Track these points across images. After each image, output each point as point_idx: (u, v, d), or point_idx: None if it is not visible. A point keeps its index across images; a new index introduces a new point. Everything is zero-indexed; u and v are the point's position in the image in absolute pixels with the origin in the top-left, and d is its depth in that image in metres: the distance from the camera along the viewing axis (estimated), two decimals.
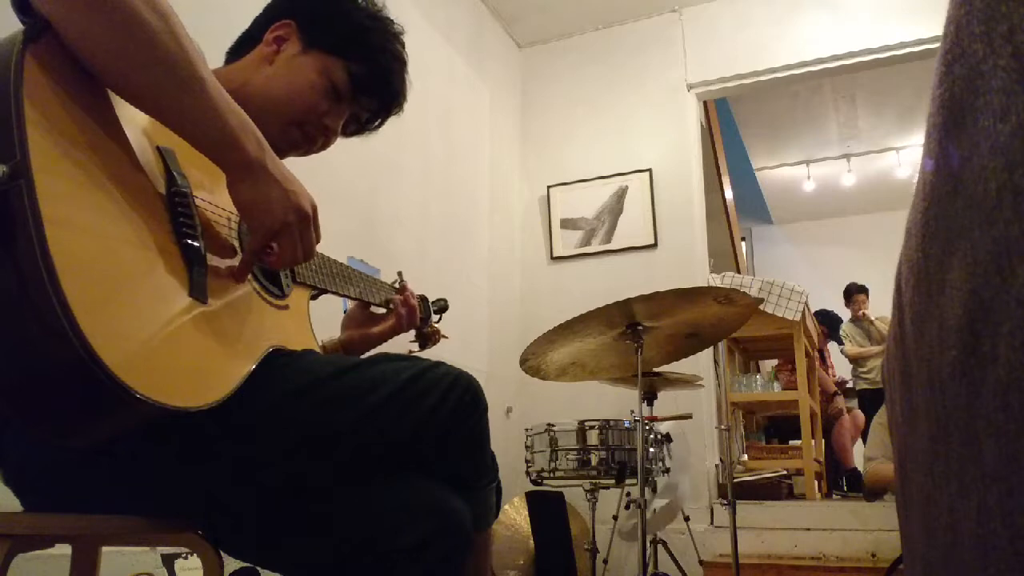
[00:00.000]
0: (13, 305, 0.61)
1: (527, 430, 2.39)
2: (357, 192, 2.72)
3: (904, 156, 6.84)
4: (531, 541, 2.91)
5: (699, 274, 3.60)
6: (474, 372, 0.95)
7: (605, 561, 2.70)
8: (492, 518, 1.03)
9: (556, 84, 4.15)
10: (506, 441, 3.20)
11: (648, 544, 2.34)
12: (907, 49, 3.54)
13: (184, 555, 1.73)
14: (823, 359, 5.32)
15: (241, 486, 0.83)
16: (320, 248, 0.96)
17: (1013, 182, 0.29)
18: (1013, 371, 0.28)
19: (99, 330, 0.62)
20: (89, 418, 0.68)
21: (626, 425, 2.27)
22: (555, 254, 3.91)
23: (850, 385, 5.75)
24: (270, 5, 1.12)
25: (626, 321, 1.93)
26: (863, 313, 5.69)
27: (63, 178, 0.65)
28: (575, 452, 2.24)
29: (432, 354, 1.06)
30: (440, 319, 1.43)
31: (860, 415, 5.41)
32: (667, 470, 2.37)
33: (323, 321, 1.15)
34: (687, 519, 2.73)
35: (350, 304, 1.26)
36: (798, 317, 3.56)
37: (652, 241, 3.71)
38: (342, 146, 1.17)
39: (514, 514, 3.02)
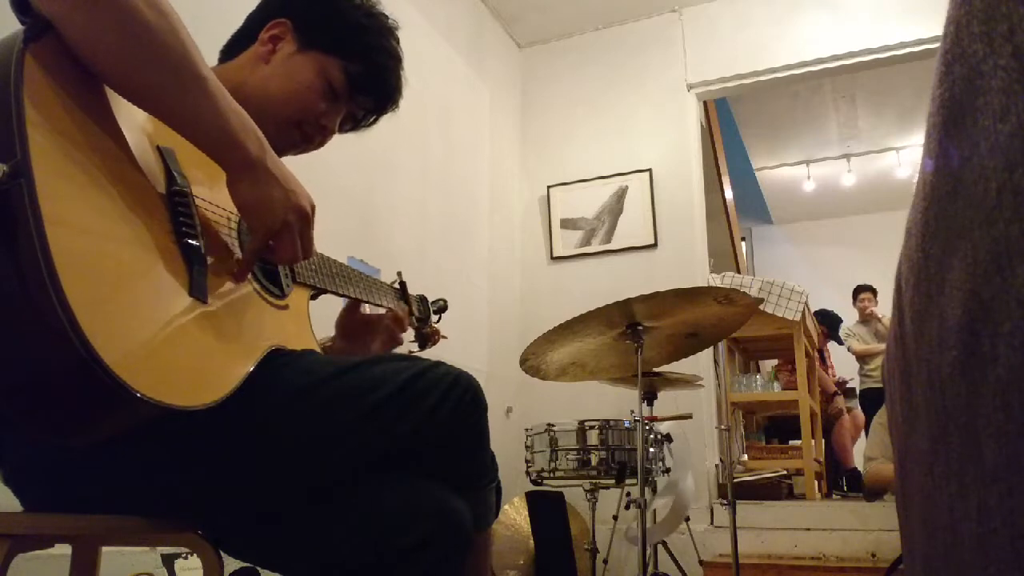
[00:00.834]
0: (13, 304, 0.61)
1: (527, 430, 2.39)
2: (357, 192, 2.72)
3: (904, 156, 6.84)
4: (531, 541, 2.91)
5: (699, 274, 3.60)
6: (474, 372, 0.95)
7: (605, 561, 2.70)
8: (492, 518, 1.02)
9: (556, 84, 4.15)
10: (506, 441, 3.20)
11: (648, 544, 2.34)
12: (907, 49, 3.54)
13: (184, 555, 1.73)
14: (823, 359, 5.32)
15: (241, 486, 0.83)
16: (319, 248, 0.96)
17: (1013, 182, 0.29)
18: (1013, 371, 0.28)
19: (99, 329, 0.62)
20: (89, 417, 0.68)
21: (626, 425, 2.27)
22: (555, 254, 3.91)
23: (851, 385, 5.74)
24: (265, 3, 1.12)
25: (626, 321, 1.93)
26: (871, 311, 5.68)
27: (63, 178, 0.65)
28: (575, 452, 2.24)
29: (432, 354, 1.06)
30: (440, 319, 1.43)
31: (860, 415, 5.41)
32: (667, 470, 2.37)
33: (323, 321, 1.15)
34: (687, 519, 2.73)
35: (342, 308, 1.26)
36: (798, 317, 3.57)
37: (652, 241, 3.71)
38: (342, 147, 1.17)
39: (514, 514, 3.02)
